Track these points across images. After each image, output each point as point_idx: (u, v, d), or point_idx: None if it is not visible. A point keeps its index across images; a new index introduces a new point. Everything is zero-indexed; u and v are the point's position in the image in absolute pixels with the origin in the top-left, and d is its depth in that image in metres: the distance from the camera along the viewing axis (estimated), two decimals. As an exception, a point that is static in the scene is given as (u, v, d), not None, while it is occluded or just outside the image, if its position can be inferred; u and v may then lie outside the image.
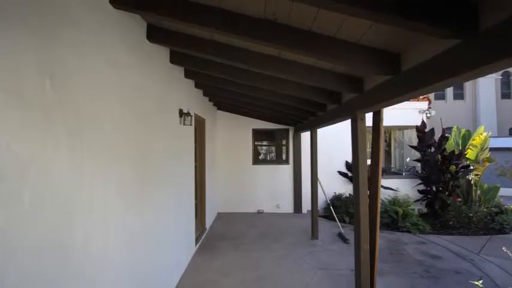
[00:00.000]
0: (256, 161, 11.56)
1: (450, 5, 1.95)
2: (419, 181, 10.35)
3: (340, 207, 10.04)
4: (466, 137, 10.72)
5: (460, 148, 10.48)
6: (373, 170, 4.38)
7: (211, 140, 9.70)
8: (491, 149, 10.66)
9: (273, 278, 5.67)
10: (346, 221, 9.58)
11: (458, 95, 29.53)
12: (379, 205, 4.40)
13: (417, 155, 10.67)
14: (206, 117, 8.60)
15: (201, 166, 8.16)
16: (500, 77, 28.96)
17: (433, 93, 25.53)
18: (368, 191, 4.43)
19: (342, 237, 8.05)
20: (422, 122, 10.48)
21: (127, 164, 3.37)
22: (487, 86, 28.34)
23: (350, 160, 10.13)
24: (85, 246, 2.51)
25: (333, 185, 10.74)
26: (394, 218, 9.22)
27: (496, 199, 9.80)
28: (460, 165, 9.81)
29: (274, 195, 11.22)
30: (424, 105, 11.17)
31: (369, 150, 4.64)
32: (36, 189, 1.95)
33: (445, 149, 9.99)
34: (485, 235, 8.42)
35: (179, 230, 5.62)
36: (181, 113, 5.65)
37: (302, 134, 10.90)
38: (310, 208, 8.55)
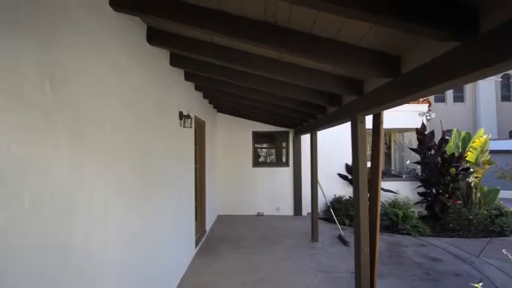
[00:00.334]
0: (256, 163, 11.56)
1: (449, 7, 1.95)
2: (419, 183, 10.35)
3: (340, 209, 10.03)
4: (466, 140, 10.71)
5: (460, 150, 10.48)
6: (373, 173, 4.38)
7: (211, 142, 9.70)
8: (491, 152, 10.66)
9: (273, 280, 5.66)
10: (346, 223, 9.57)
11: (459, 98, 29.56)
12: (379, 207, 4.40)
13: (417, 157, 10.66)
14: (206, 120, 8.60)
15: (201, 168, 8.16)
16: (500, 80, 29.00)
17: (433, 96, 25.53)
18: (368, 194, 4.43)
19: (342, 240, 8.04)
20: (423, 124, 10.47)
21: (127, 165, 3.37)
22: (487, 88, 28.39)
23: (350, 162, 10.16)
24: (85, 246, 2.51)
25: (333, 187, 10.74)
26: (394, 220, 9.22)
27: (496, 201, 9.80)
28: (460, 168, 9.80)
29: (274, 197, 11.21)
30: (424, 107, 11.17)
31: (368, 152, 4.64)
32: (36, 190, 1.96)
33: (445, 152, 10.00)
34: (485, 237, 8.41)
35: (179, 232, 5.61)
36: (181, 116, 5.65)
37: (302, 136, 10.91)
38: (310, 210, 8.54)
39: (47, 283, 2.06)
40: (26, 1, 1.89)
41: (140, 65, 3.82)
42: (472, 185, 9.84)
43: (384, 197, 9.65)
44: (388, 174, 11.70)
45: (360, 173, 4.37)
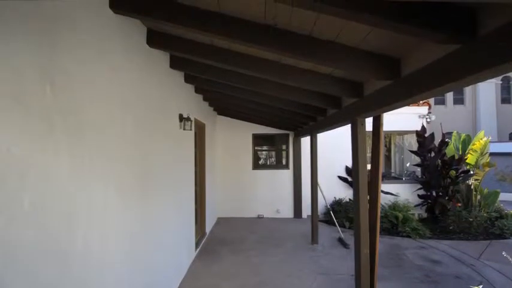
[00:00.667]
0: (256, 165, 11.56)
1: (448, 10, 1.96)
2: (419, 186, 10.35)
3: (340, 212, 10.03)
4: (466, 142, 10.71)
5: (460, 153, 10.47)
6: (373, 175, 4.38)
7: (211, 144, 9.70)
8: (491, 154, 10.65)
9: (273, 282, 5.65)
10: (346, 226, 9.55)
11: (459, 100, 29.59)
12: (379, 210, 4.40)
13: (417, 159, 10.67)
14: (206, 122, 8.61)
15: (201, 171, 8.16)
16: (500, 82, 29.04)
17: (433, 98, 25.59)
18: (368, 196, 4.43)
19: (342, 242, 8.03)
20: (422, 127, 10.48)
21: (127, 168, 3.37)
22: (487, 90, 28.42)
23: (350, 165, 10.15)
24: (84, 249, 2.50)
25: (333, 189, 10.74)
26: (394, 222, 9.20)
27: (496, 204, 9.78)
28: (460, 170, 9.81)
29: (274, 200, 11.20)
30: (424, 110, 11.19)
31: (368, 155, 4.64)
32: (36, 192, 1.96)
33: (445, 154, 10.00)
34: (485, 240, 8.40)
35: (179, 234, 5.60)
36: (181, 118, 5.66)
37: (302, 139, 10.90)
38: (310, 213, 8.53)
39: (46, 285, 2.06)
40: (26, 3, 1.89)
41: (140, 68, 3.83)
42: (472, 187, 9.82)
43: (383, 200, 9.62)
44: (388, 177, 11.70)
45: (360, 176, 4.37)
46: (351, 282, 5.35)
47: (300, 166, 11.08)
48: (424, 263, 6.73)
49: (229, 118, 11.20)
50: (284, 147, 11.66)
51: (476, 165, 10.10)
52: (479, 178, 10.01)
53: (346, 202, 10.46)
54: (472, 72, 2.00)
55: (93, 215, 2.65)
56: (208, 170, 8.81)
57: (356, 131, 4.44)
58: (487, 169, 10.15)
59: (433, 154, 10.07)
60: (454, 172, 9.61)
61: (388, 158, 12.55)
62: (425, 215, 10.24)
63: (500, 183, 11.25)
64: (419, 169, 10.88)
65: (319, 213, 9.02)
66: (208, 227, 9.02)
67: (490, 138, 10.60)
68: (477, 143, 10.22)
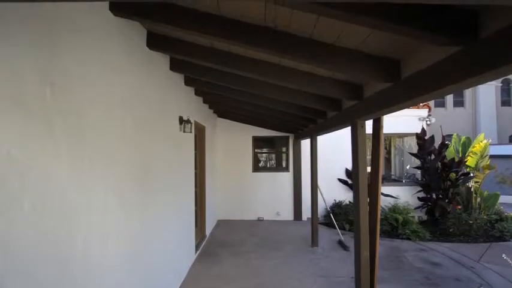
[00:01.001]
0: (256, 168, 11.56)
1: (449, 12, 1.96)
2: (419, 188, 10.36)
3: (340, 214, 10.02)
4: (466, 145, 10.70)
5: (460, 155, 10.47)
6: (373, 177, 4.38)
7: (211, 147, 9.70)
8: (491, 157, 10.66)
9: (273, 285, 5.64)
10: (346, 228, 9.54)
11: (459, 102, 29.58)
12: (379, 212, 4.40)
13: (417, 162, 10.68)
14: (206, 125, 8.61)
15: (201, 173, 8.16)
16: (500, 84, 29.03)
17: (433, 101, 25.58)
18: (368, 198, 4.43)
19: (342, 245, 8.03)
20: (422, 129, 10.49)
21: (127, 170, 3.37)
22: (487, 93, 28.40)
23: (350, 167, 10.10)
24: (84, 251, 2.50)
25: (333, 192, 10.73)
26: (394, 225, 9.20)
27: (496, 206, 9.78)
28: (460, 173, 9.81)
29: (274, 202, 11.19)
30: (424, 112, 11.20)
31: (368, 157, 4.64)
32: (36, 195, 1.95)
33: (445, 157, 10.01)
34: (485, 242, 8.40)
35: (179, 237, 5.59)
36: (181, 120, 5.66)
37: (302, 141, 10.91)
38: (310, 215, 8.52)
39: (46, 286, 2.06)
40: (27, 6, 1.89)
41: (140, 70, 3.83)
42: (472, 190, 9.82)
43: (383, 202, 9.61)
44: (388, 179, 11.71)
45: (360, 178, 4.37)
46: (351, 285, 5.34)
47: (300, 168, 11.08)
48: (424, 265, 6.72)
49: (229, 120, 11.21)
50: (284, 149, 11.66)
51: (476, 168, 10.10)
52: (479, 180, 10.01)
53: (346, 204, 10.45)
54: (473, 74, 1.99)
55: (93, 217, 2.65)
56: (208, 173, 8.80)
57: (356, 134, 4.44)
58: (487, 171, 10.15)
59: (433, 156, 10.08)
60: (454, 174, 9.60)
61: (388, 160, 12.56)
62: (425, 217, 10.25)
63: (500, 185, 11.26)
64: (419, 171, 10.90)
65: (319, 216, 9.00)
66: (208, 229, 9.01)
67: (490, 140, 10.62)
68: (477, 146, 10.23)
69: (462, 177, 9.75)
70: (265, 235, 9.10)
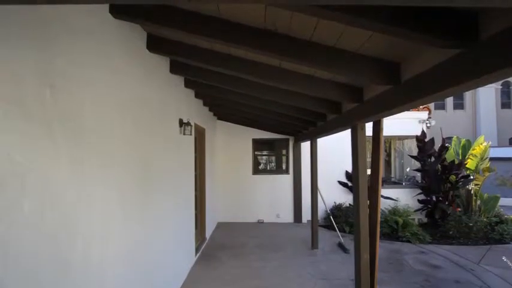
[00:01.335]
0: (256, 170, 11.56)
1: (450, 15, 1.96)
2: (419, 191, 10.34)
3: (340, 217, 10.00)
4: (466, 147, 10.71)
5: (460, 158, 10.47)
6: (373, 180, 4.38)
7: (211, 149, 9.70)
8: (491, 159, 10.66)
9: (273, 287, 5.64)
10: (346, 230, 9.52)
11: (459, 105, 29.64)
12: (379, 215, 4.39)
13: (417, 164, 10.65)
14: (206, 127, 8.61)
15: (201, 176, 8.15)
16: (501, 87, 29.10)
17: (433, 103, 25.59)
18: (368, 201, 4.43)
19: (342, 247, 8.01)
20: (422, 131, 10.49)
21: (126, 172, 3.37)
22: (487, 95, 28.47)
23: (350, 170, 10.12)
24: (84, 254, 2.50)
25: (333, 194, 10.71)
26: (394, 227, 9.19)
27: (496, 209, 9.77)
28: (460, 175, 9.79)
29: (274, 205, 11.19)
30: (424, 115, 11.20)
31: (368, 159, 4.64)
32: (36, 198, 1.95)
33: (445, 159, 10.00)
34: (485, 245, 8.38)
35: (179, 240, 5.59)
36: (181, 123, 5.66)
37: (302, 143, 10.92)
38: (310, 218, 8.51)
39: (46, 290, 2.06)
40: (26, 8, 1.90)
41: (140, 73, 3.84)
42: (472, 192, 9.80)
43: (383, 204, 9.59)
44: (388, 182, 11.68)
45: (360, 180, 4.37)
46: (351, 287, 5.34)
47: (300, 171, 11.08)
48: (424, 267, 6.71)
49: (229, 123, 11.22)
50: (284, 152, 11.66)
51: (476, 170, 10.10)
52: (479, 183, 10.00)
53: (346, 207, 10.43)
54: (473, 76, 1.99)
55: (92, 219, 2.64)
56: (208, 175, 8.80)
57: (356, 136, 4.44)
58: (487, 174, 10.15)
59: (433, 159, 10.07)
60: (454, 177, 9.60)
61: (388, 162, 12.54)
62: (425, 220, 10.23)
63: (500, 188, 11.26)
64: (419, 174, 10.87)
65: (319, 218, 9.01)
66: (208, 232, 9.00)
67: (490, 143, 10.62)
68: (477, 148, 10.23)
69: (462, 179, 9.74)
70: (265, 237, 9.08)
